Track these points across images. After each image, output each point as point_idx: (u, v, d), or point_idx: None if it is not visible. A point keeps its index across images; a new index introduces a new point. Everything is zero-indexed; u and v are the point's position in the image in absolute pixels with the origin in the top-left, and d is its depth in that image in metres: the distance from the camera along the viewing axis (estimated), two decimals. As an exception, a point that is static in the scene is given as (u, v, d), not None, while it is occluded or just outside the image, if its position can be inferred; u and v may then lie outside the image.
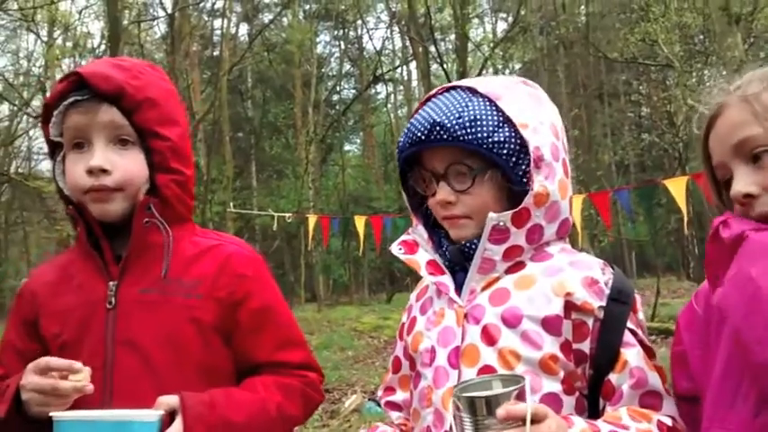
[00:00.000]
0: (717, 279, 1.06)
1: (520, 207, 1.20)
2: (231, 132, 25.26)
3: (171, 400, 1.29)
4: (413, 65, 26.23)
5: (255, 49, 23.62)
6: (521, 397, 0.99)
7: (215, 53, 24.87)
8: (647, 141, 20.06)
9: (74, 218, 1.43)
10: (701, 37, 17.26)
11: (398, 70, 30.27)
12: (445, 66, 17.93)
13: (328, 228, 8.28)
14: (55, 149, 1.45)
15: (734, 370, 1.07)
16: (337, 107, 28.91)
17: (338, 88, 30.67)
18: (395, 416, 1.41)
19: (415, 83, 30.29)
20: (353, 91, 30.03)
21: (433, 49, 17.34)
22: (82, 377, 1.26)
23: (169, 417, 1.28)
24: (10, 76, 21.26)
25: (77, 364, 1.27)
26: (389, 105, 32.16)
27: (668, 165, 22.57)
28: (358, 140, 33.76)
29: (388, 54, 29.53)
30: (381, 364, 9.59)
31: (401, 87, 32.37)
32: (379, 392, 1.46)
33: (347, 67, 30.94)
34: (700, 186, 5.02)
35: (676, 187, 5.40)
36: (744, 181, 1.07)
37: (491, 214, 1.20)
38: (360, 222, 7.55)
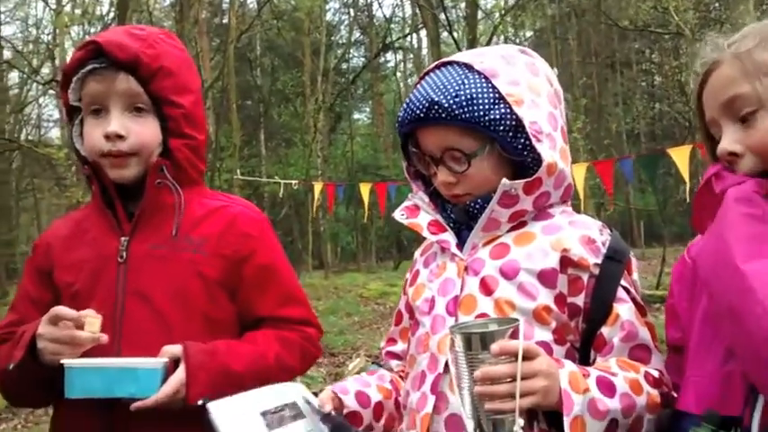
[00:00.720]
0: (705, 229, 1.09)
1: (534, 177, 1.25)
2: (240, 100, 25.14)
3: (175, 348, 1.37)
4: (423, 33, 25.99)
5: (264, 17, 23.43)
6: (514, 336, 1.06)
7: (224, 21, 24.69)
8: (658, 110, 19.83)
9: (89, 177, 1.51)
10: (717, 4, 16.98)
11: (408, 38, 30.00)
12: (455, 34, 17.74)
13: (333, 195, 8.34)
14: (73, 113, 1.52)
15: (711, 319, 1.11)
16: (347, 75, 28.72)
17: (348, 56, 30.44)
18: (393, 363, 1.48)
19: (425, 51, 30.03)
20: (363, 59, 29.82)
21: (442, 16, 17.15)
22: (97, 328, 1.34)
23: (174, 364, 1.37)
24: (19, 43, 21.27)
25: (90, 312, 1.35)
26: (399, 74, 31.91)
27: (679, 134, 22.38)
28: (368, 109, 33.63)
29: (398, 21, 29.26)
30: (386, 330, 9.64)
31: (411, 55, 32.10)
32: (382, 343, 1.54)
33: (357, 34, 30.70)
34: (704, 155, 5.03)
35: (680, 156, 5.40)
36: (729, 139, 1.08)
37: (504, 180, 1.25)
38: (365, 189, 7.61)
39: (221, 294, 1.49)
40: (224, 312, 1.50)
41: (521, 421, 1.04)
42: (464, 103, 1.24)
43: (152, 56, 1.43)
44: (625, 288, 1.26)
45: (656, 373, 1.22)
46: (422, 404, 1.27)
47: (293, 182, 9.50)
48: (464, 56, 1.33)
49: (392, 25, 27.20)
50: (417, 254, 1.49)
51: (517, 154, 1.28)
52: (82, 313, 1.34)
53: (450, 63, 1.32)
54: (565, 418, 1.08)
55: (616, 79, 25.63)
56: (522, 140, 1.27)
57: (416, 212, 1.40)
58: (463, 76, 1.27)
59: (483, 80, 1.26)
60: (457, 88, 1.25)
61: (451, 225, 1.36)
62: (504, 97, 1.25)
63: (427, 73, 1.34)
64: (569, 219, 1.32)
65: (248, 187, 22.02)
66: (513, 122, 1.26)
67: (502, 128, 1.25)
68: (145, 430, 1.36)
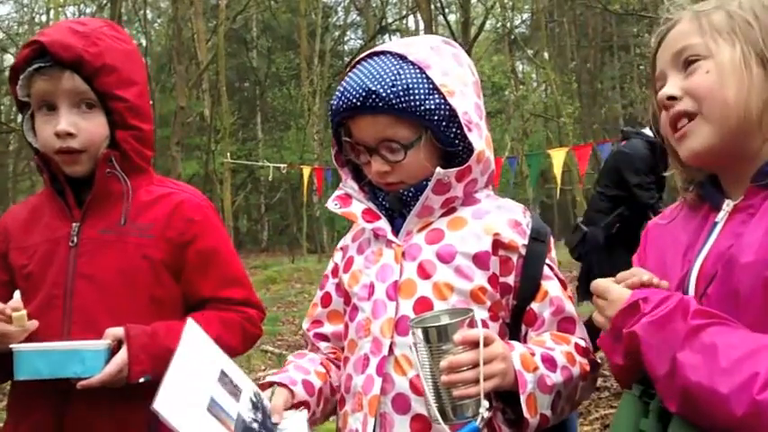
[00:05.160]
0: None
1: (465, 166, 1.32)
2: (237, 83, 25.02)
3: (117, 331, 1.44)
4: (419, 15, 25.82)
5: (259, -2, 23.27)
6: (471, 325, 1.13)
7: (220, 1, 24.53)
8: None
9: (39, 167, 1.58)
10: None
11: (405, 20, 29.83)
12: (449, 17, 17.67)
13: (322, 179, 8.39)
14: (23, 106, 1.59)
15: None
16: (344, 58, 28.58)
17: (344, 39, 30.29)
18: (323, 345, 1.50)
19: (422, 33, 29.83)
20: (360, 41, 29.68)
21: (437, -2, 17.11)
22: (24, 320, 1.43)
23: (117, 345, 1.44)
24: (14, 24, 21.18)
25: (12, 306, 1.43)
26: (396, 57, 31.68)
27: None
28: (365, 92, 33.40)
29: (395, 3, 29.09)
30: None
31: (408, 38, 31.87)
32: (305, 325, 1.55)
33: (353, 16, 30.54)
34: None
35: (658, 142, 5.42)
36: (671, 84, 1.14)
37: (438, 169, 1.31)
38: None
39: (166, 276, 1.56)
40: (169, 293, 1.57)
41: (486, 403, 1.11)
42: (401, 93, 1.28)
43: (94, 54, 1.49)
44: (549, 266, 1.35)
45: (582, 343, 1.33)
46: (368, 386, 1.31)
47: (282, 165, 9.53)
48: (395, 46, 1.37)
49: (388, 7, 27.06)
50: (348, 240, 1.52)
51: (449, 143, 1.34)
52: (6, 307, 1.42)
53: (383, 53, 1.36)
54: (521, 397, 1.18)
55: (613, 63, 25.54)
56: (454, 130, 1.33)
57: (349, 201, 1.43)
58: (398, 67, 1.31)
59: (417, 71, 1.31)
60: (393, 78, 1.29)
61: (384, 212, 1.41)
62: (438, 88, 1.30)
63: (359, 62, 1.38)
64: (495, 203, 1.39)
65: (244, 171, 22.03)
66: (447, 112, 1.31)
67: (436, 117, 1.31)
68: (94, 408, 1.44)
